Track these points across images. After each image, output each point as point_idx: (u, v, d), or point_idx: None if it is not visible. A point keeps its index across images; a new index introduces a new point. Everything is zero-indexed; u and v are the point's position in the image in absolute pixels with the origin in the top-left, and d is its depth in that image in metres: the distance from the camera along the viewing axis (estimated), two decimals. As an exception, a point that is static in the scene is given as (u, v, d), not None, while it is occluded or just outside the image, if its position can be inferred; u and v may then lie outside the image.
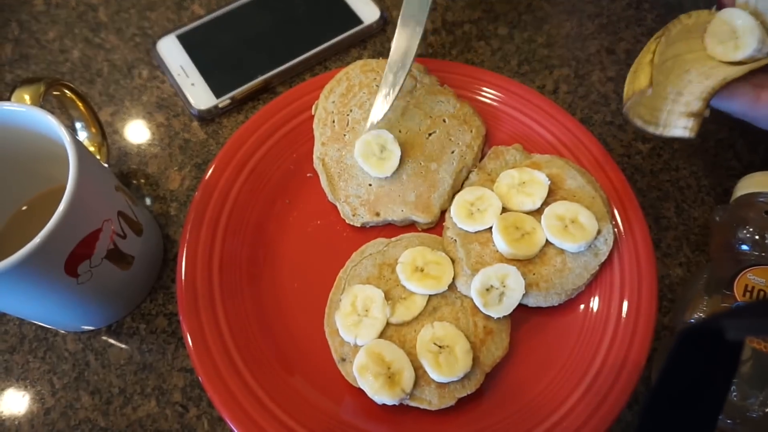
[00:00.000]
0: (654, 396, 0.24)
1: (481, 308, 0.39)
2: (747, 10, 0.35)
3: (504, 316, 0.39)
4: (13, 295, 0.34)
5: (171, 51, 0.53)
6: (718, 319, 0.23)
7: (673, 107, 0.35)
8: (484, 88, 0.48)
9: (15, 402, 0.41)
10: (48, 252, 0.32)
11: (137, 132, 0.51)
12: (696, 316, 0.39)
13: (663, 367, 0.24)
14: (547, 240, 0.41)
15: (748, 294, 0.37)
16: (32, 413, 0.40)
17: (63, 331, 0.43)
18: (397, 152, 0.44)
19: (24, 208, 0.42)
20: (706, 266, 0.42)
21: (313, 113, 0.47)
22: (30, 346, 0.42)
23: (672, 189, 0.47)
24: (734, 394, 0.35)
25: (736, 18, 0.35)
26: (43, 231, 0.32)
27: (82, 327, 0.42)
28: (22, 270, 0.32)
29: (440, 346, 0.37)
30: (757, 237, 0.40)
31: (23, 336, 0.43)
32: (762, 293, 0.37)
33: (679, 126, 0.34)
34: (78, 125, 0.46)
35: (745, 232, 0.40)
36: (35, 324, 0.43)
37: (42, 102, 0.39)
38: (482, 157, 0.46)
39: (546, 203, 0.42)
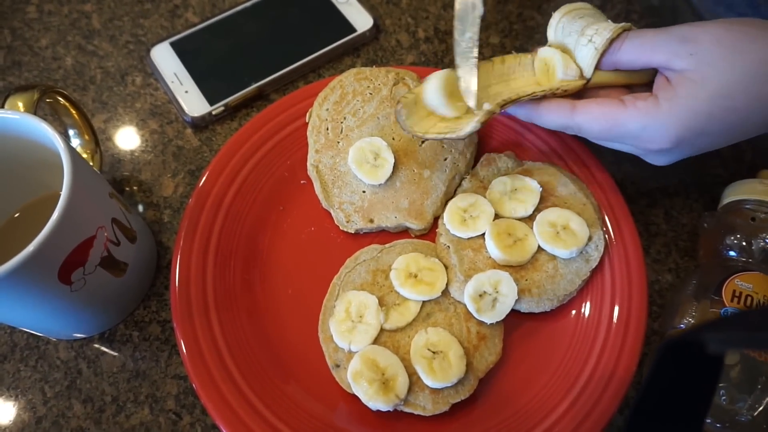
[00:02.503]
0: (636, 410, 0.24)
1: (474, 314, 0.39)
2: (553, 45, 0.41)
3: (497, 322, 0.39)
4: (6, 302, 0.34)
5: (164, 58, 0.53)
6: (699, 333, 0.23)
7: (471, 118, 0.39)
8: (477, 96, 0.49)
9: (6, 411, 0.40)
10: (42, 259, 0.32)
11: (130, 139, 0.51)
12: (685, 321, 0.39)
13: (645, 382, 0.24)
14: (539, 246, 0.41)
15: (736, 299, 0.38)
16: (23, 422, 0.40)
17: (55, 339, 0.43)
18: (391, 159, 0.44)
19: (17, 215, 0.42)
20: (694, 272, 0.43)
21: (306, 121, 0.47)
22: (21, 354, 0.42)
23: (661, 196, 0.48)
24: (723, 398, 0.36)
25: (544, 53, 0.41)
26: (37, 238, 0.31)
27: (75, 335, 0.42)
28: (15, 278, 0.32)
29: (434, 352, 0.38)
30: (744, 243, 0.40)
31: (14, 344, 0.43)
32: (749, 298, 0.38)
33: (471, 123, 0.38)
34: (71, 132, 0.46)
35: (732, 238, 0.41)
36: (27, 332, 0.43)
37: (35, 109, 0.39)
38: (475, 164, 0.46)
39: (538, 210, 0.42)
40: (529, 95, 0.39)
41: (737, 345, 0.29)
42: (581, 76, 0.40)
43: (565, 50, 0.41)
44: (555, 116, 0.39)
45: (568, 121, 0.39)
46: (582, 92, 0.41)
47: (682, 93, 0.36)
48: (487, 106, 0.38)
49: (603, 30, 0.38)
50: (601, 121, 0.38)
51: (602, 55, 0.38)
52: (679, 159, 0.39)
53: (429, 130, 0.40)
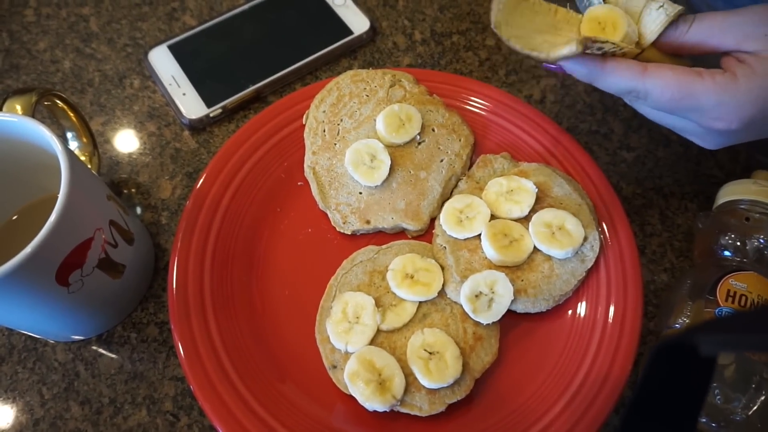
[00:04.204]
0: (630, 412, 0.24)
1: (471, 314, 0.39)
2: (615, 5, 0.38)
3: (493, 322, 0.40)
4: (4, 304, 0.34)
5: (162, 61, 0.53)
6: (692, 335, 0.23)
7: (550, 46, 0.36)
8: (473, 98, 0.49)
9: (3, 413, 0.41)
10: (39, 261, 0.32)
11: (128, 141, 0.51)
12: (680, 321, 0.39)
13: (638, 383, 0.24)
14: (534, 247, 0.41)
15: (730, 299, 0.38)
16: (21, 424, 0.40)
17: (52, 341, 0.43)
18: (387, 161, 0.44)
19: (14, 217, 0.42)
20: (689, 272, 0.43)
21: (304, 122, 0.47)
22: (19, 356, 0.42)
23: (656, 196, 0.48)
24: (718, 397, 0.36)
25: (600, 10, 0.38)
26: (35, 240, 0.32)
27: (72, 337, 0.42)
28: (12, 279, 0.32)
29: (430, 353, 0.38)
30: (738, 243, 0.41)
31: (12, 346, 0.43)
32: (744, 298, 0.38)
33: (564, 48, 0.34)
34: (69, 135, 0.46)
35: (727, 238, 0.41)
36: (24, 334, 0.43)
37: (33, 112, 0.39)
38: (471, 166, 0.47)
39: (533, 210, 0.42)
40: (606, 42, 0.35)
41: (729, 347, 0.29)
42: (639, 43, 0.38)
43: (627, 12, 0.38)
44: (622, 77, 0.36)
45: (637, 83, 0.35)
46: None
47: (761, 71, 0.34)
48: (573, 35, 0.35)
49: (671, 2, 0.37)
50: (674, 88, 0.35)
51: (667, 26, 0.36)
52: (732, 143, 0.38)
53: (512, 35, 0.36)
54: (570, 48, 0.34)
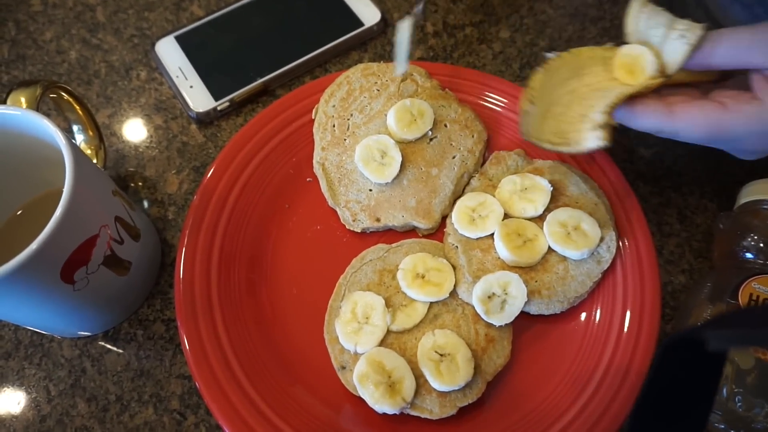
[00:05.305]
0: (638, 409, 0.24)
1: (483, 316, 0.38)
2: (633, 38, 0.39)
3: (506, 324, 0.39)
4: (8, 301, 0.34)
5: (169, 52, 0.52)
6: (701, 330, 0.23)
7: (579, 127, 0.37)
8: (486, 93, 0.48)
9: (10, 409, 0.40)
10: (43, 259, 0.32)
11: (135, 134, 0.50)
12: (699, 324, 0.38)
13: (647, 380, 0.24)
14: (549, 247, 0.40)
15: (753, 303, 0.37)
16: (27, 420, 0.40)
17: (59, 337, 0.42)
18: (398, 158, 0.43)
19: (19, 212, 0.41)
20: (709, 274, 0.42)
21: (313, 117, 0.46)
22: (25, 352, 0.42)
23: (674, 195, 0.47)
24: (739, 404, 0.35)
25: (633, 50, 0.38)
26: (39, 238, 0.31)
27: (79, 333, 0.42)
28: (17, 277, 0.31)
29: (441, 355, 0.37)
30: (762, 245, 0.39)
31: (19, 342, 0.42)
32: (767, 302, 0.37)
33: (592, 138, 0.36)
34: (75, 128, 0.45)
35: (749, 239, 0.40)
36: (31, 330, 0.42)
37: (38, 104, 0.38)
38: (484, 162, 0.46)
39: (548, 210, 0.41)
40: (627, 96, 0.36)
41: (739, 343, 0.29)
42: (662, 73, 0.37)
43: (646, 44, 0.38)
44: (651, 119, 0.37)
45: (666, 125, 0.36)
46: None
47: None
48: (598, 118, 0.36)
49: (694, 27, 0.36)
50: (704, 127, 0.35)
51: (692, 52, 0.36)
52: None
53: (541, 137, 0.39)
54: (598, 141, 0.36)
